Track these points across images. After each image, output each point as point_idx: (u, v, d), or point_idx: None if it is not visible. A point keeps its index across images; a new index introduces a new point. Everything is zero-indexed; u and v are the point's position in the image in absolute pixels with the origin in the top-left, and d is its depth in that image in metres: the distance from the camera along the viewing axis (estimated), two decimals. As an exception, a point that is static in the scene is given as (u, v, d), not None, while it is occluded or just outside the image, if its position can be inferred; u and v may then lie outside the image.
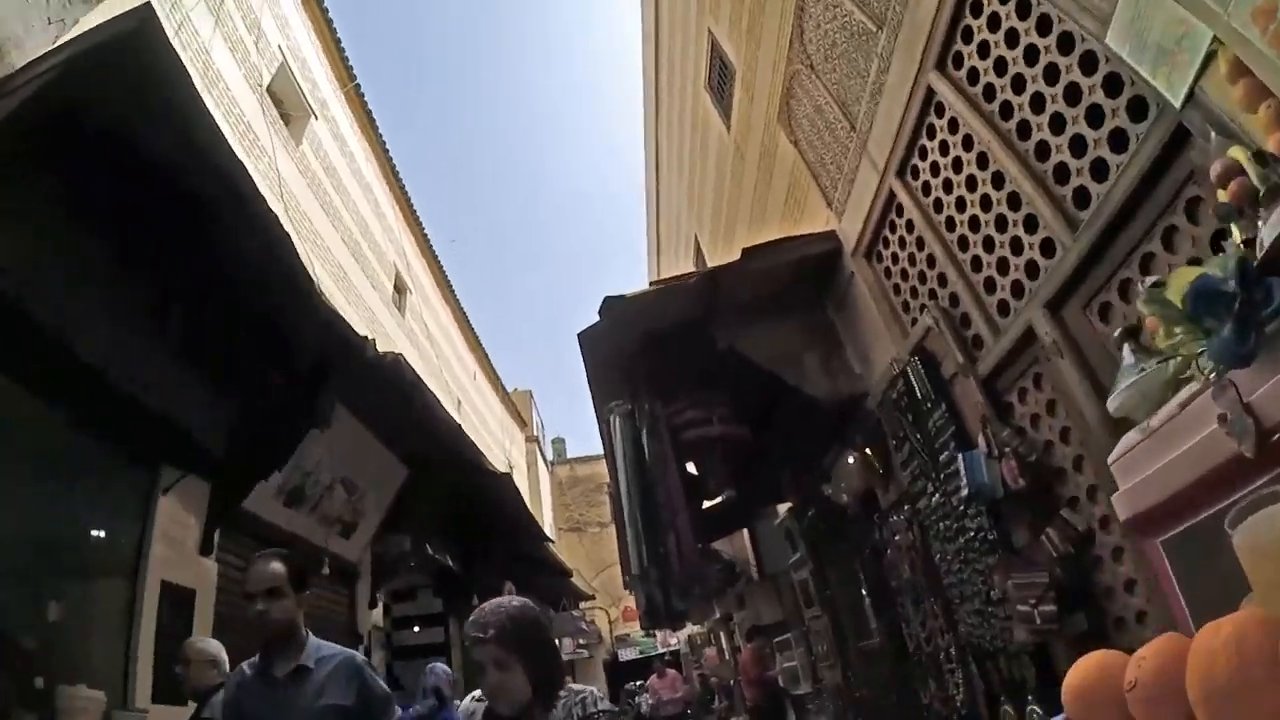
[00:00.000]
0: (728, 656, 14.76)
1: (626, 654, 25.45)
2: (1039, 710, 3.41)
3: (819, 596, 7.66)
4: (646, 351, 5.49)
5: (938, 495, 4.23)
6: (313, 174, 9.79)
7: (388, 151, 13.16)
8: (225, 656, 4.17)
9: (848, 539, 6.78)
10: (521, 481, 21.72)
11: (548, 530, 20.67)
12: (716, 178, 9.06)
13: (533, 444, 23.98)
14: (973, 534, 3.90)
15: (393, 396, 7.11)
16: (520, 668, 2.06)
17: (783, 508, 8.48)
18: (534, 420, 24.57)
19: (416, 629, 11.99)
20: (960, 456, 3.68)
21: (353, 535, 8.26)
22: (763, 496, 8.26)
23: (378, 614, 8.98)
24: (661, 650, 22.76)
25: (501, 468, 14.30)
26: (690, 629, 20.48)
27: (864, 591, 6.54)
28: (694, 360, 5.59)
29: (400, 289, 13.29)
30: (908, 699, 6.06)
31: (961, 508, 3.94)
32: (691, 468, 6.81)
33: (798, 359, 5.44)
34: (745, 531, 11.59)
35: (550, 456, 27.96)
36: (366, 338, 6.19)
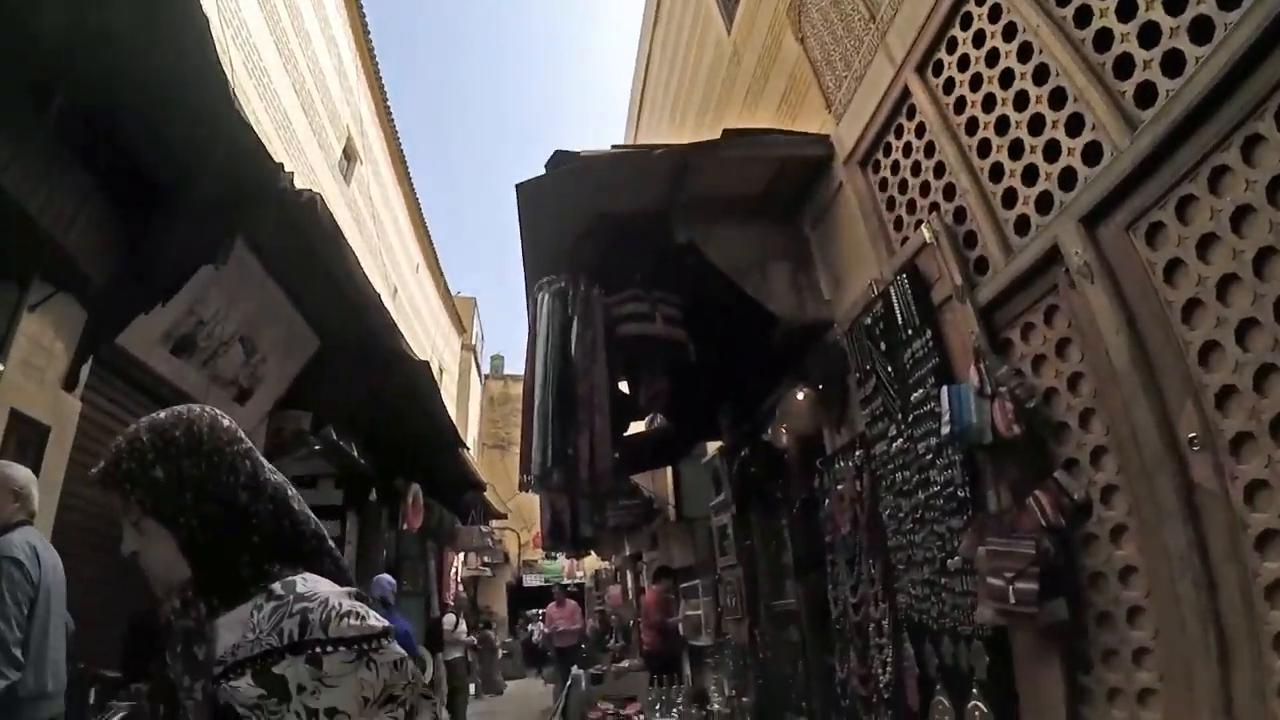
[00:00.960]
0: (631, 597, 14.36)
1: (531, 580, 25.14)
2: (983, 708, 2.84)
3: (737, 545, 7.11)
4: (593, 235, 4.73)
5: (901, 440, 3.59)
6: (271, 7, 8.68)
7: (360, 4, 11.95)
8: (35, 492, 3.40)
9: (779, 488, 6.22)
10: (451, 388, 20.92)
11: (471, 444, 19.99)
12: (706, 86, 8.24)
13: (469, 352, 23.11)
14: (938, 488, 3.27)
15: (304, 244, 6.22)
16: (166, 531, 1.32)
17: (713, 447, 7.88)
18: (474, 329, 23.68)
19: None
20: (945, 390, 3.02)
21: (248, 402, 7.42)
22: (694, 431, 7.64)
23: (261, 493, 8.16)
24: (566, 581, 22.44)
25: (434, 370, 13.48)
26: (598, 564, 20.16)
27: (788, 545, 5.98)
28: (645, 255, 4.86)
29: (350, 155, 12.20)
30: (819, 670, 5.59)
31: (929, 456, 3.32)
32: (624, 387, 6.15)
33: (763, 268, 4.73)
34: (669, 470, 11.07)
35: (486, 370, 27.11)
36: (281, 165, 5.29)
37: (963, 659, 3.18)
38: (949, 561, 3.22)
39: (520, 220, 4.75)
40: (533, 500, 25.22)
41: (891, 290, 3.74)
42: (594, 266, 4.71)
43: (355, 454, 9.90)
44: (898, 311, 3.67)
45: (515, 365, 29.59)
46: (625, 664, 10.86)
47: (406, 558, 14.20)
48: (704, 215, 4.78)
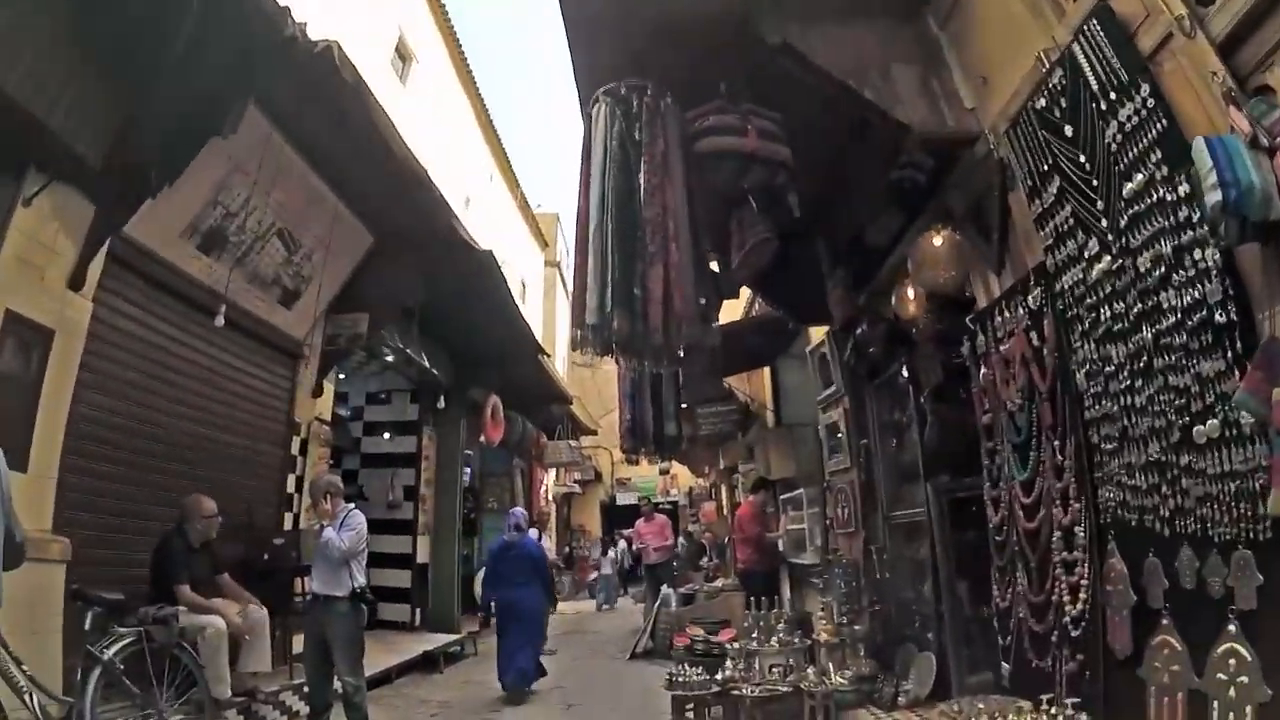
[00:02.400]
0: (726, 513, 13.52)
1: (625, 498, 24.67)
2: (1244, 653, 1.80)
3: (850, 445, 6.07)
4: (660, 42, 3.63)
5: (1108, 257, 2.46)
6: None
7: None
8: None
9: (903, 370, 5.15)
10: (536, 306, 20.25)
11: (560, 364, 19.35)
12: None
13: (553, 269, 22.30)
14: (1177, 317, 2.15)
15: (330, 110, 5.36)
16: None
17: (818, 336, 6.78)
18: (558, 246, 22.78)
19: (387, 435, 10.74)
20: (1203, 143, 1.88)
21: (295, 305, 6.74)
22: (796, 313, 6.53)
23: (324, 404, 7.57)
24: (660, 499, 21.87)
25: (513, 283, 12.68)
26: (692, 480, 19.41)
27: (917, 441, 4.93)
28: (727, 66, 3.76)
29: (404, 56, 11.25)
30: (952, 596, 4.57)
31: (1160, 270, 2.20)
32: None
33: (884, 72, 3.57)
34: (766, 372, 10.03)
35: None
36: (288, 10, 4.38)
37: (1213, 579, 2.10)
38: (1196, 429, 2.12)
39: (567, 27, 3.72)
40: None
41: (1076, 50, 2.57)
42: (665, 78, 3.62)
43: (424, 361, 9.21)
44: (1090, 74, 2.50)
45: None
46: (719, 584, 10.09)
47: (490, 474, 13.74)
48: (799, 11, 3.62)
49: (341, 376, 10.14)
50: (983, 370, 3.48)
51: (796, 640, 5.62)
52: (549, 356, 13.11)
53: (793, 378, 9.65)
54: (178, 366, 5.63)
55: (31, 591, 3.64)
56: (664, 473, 21.17)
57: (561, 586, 17.99)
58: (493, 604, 7.78)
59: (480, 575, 12.26)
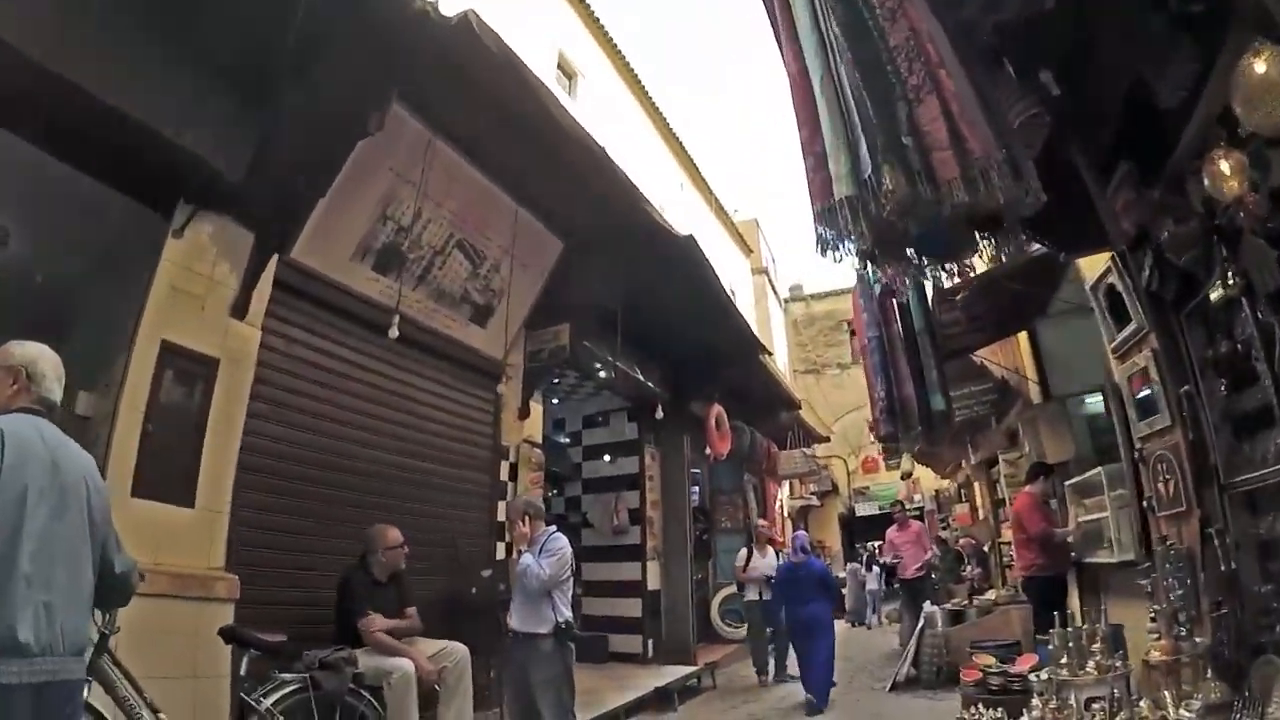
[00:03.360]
0: (986, 514, 11.80)
1: (864, 508, 23.00)
2: None
3: (1169, 397, 4.67)
4: None
5: None
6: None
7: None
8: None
9: (1229, 279, 3.84)
10: (748, 315, 19.39)
11: (784, 371, 18.38)
12: None
13: (761, 276, 21.42)
14: None
15: (481, 94, 4.88)
16: None
17: (1093, 268, 5.41)
18: (763, 253, 21.90)
19: (607, 458, 10.30)
20: None
21: (489, 322, 6.39)
22: (1061, 238, 5.21)
23: (533, 426, 7.17)
24: (907, 506, 20.03)
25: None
26: (937, 483, 17.60)
27: (1271, 368, 3.61)
28: None
29: (568, 73, 11.01)
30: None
31: None
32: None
33: None
34: (1022, 339, 8.52)
35: (784, 295, 25.28)
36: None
37: None
38: None
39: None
40: (859, 423, 23.08)
41: None
42: None
43: (637, 374, 8.65)
44: None
45: (816, 288, 27.24)
46: (991, 596, 8.60)
47: (721, 491, 12.99)
48: None
49: (555, 401, 9.91)
50: None
51: (1119, 664, 4.32)
52: (771, 355, 12.15)
53: (1060, 339, 8.09)
54: (364, 393, 5.39)
55: (193, 633, 3.32)
56: (906, 477, 19.40)
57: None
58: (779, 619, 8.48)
59: (717, 602, 11.63)
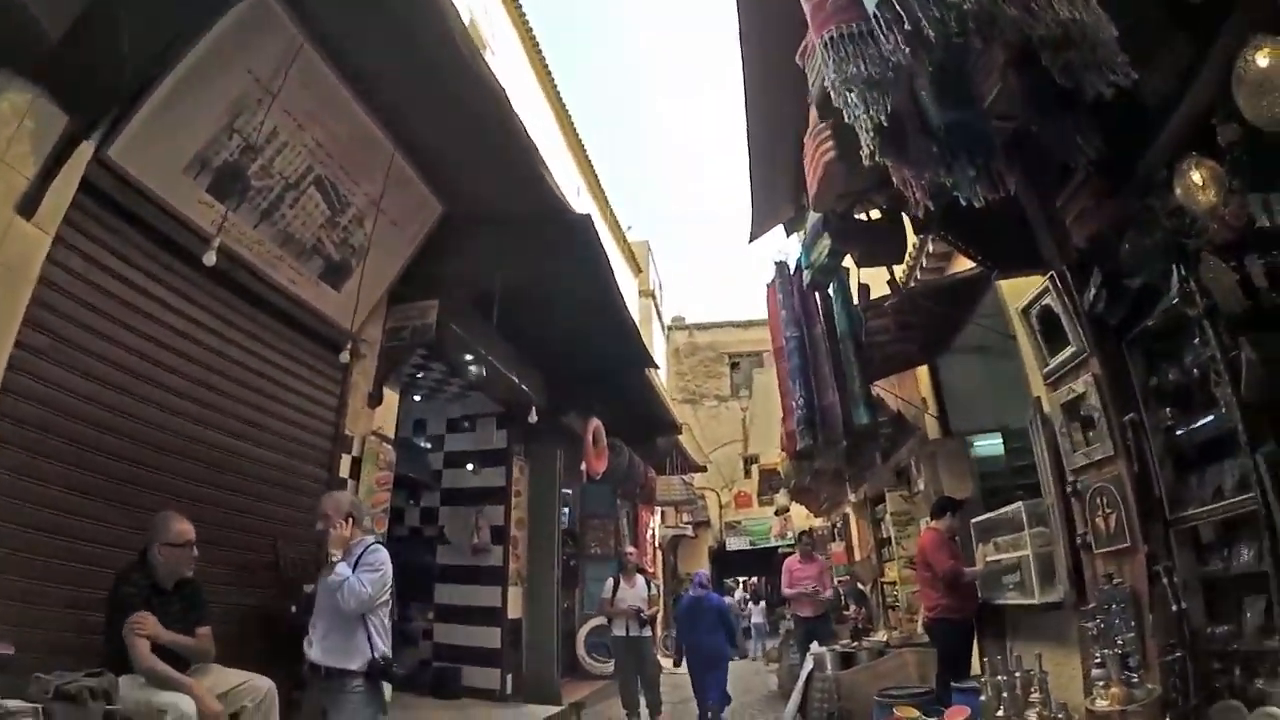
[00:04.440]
0: (870, 553, 11.34)
1: (735, 543, 22.60)
2: None
3: (1111, 425, 4.22)
4: None
5: None
6: None
7: None
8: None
9: (1194, 298, 3.46)
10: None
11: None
12: None
13: (647, 299, 20.84)
14: None
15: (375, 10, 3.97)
16: None
17: (1019, 293, 5.03)
18: (650, 275, 21.37)
19: (471, 467, 9.21)
20: None
21: (344, 286, 5.33)
22: (993, 255, 4.81)
23: (385, 416, 6.09)
24: (777, 542, 19.70)
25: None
26: (811, 520, 17.33)
27: (1233, 394, 3.24)
28: None
29: (476, 43, 10.04)
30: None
31: None
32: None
33: None
34: (922, 373, 8.15)
35: (667, 322, 24.86)
36: None
37: None
38: None
39: None
40: (734, 457, 22.73)
41: None
42: None
43: (511, 375, 7.69)
44: None
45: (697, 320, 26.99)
46: (881, 638, 8.06)
47: (592, 515, 12.07)
48: None
49: (417, 399, 8.80)
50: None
51: (1060, 714, 3.80)
52: (657, 368, 11.41)
53: (961, 375, 7.76)
54: (179, 347, 4.23)
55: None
56: (780, 513, 19.01)
57: (670, 641, 16.13)
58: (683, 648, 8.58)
59: (583, 634, 10.66)
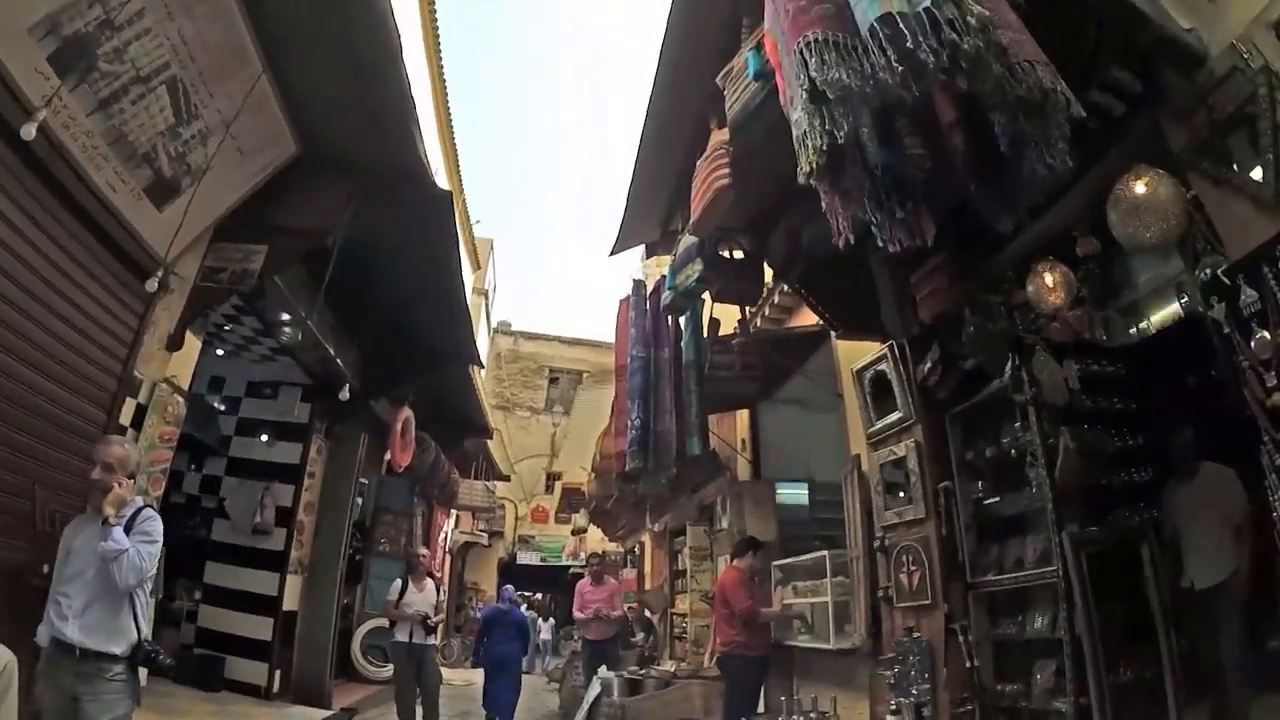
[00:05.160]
0: (663, 583, 11.47)
1: (526, 557, 22.28)
2: None
3: (925, 489, 4.51)
4: None
5: None
6: None
7: None
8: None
9: (1022, 385, 3.98)
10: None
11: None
12: None
13: (480, 297, 20.24)
14: None
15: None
16: None
17: (855, 355, 5.32)
18: (488, 275, 20.85)
19: (265, 438, 8.44)
20: None
21: (168, 207, 4.69)
22: (843, 317, 5.15)
23: (182, 364, 5.42)
24: (569, 562, 19.58)
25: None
26: (605, 544, 17.39)
27: (1047, 475, 3.75)
28: None
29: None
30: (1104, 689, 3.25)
31: None
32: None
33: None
34: (742, 416, 8.43)
35: (494, 324, 24.35)
36: None
37: None
38: None
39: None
40: (538, 470, 22.44)
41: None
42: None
43: (328, 348, 7.14)
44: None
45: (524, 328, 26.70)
46: (668, 667, 8.11)
47: (386, 509, 11.44)
48: None
49: (219, 353, 7.98)
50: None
51: None
52: (482, 366, 11.01)
53: (782, 424, 8.08)
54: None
55: None
56: (578, 532, 18.95)
57: (450, 651, 15.53)
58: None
59: (360, 635, 10.01)
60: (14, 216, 3.80)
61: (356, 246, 5.81)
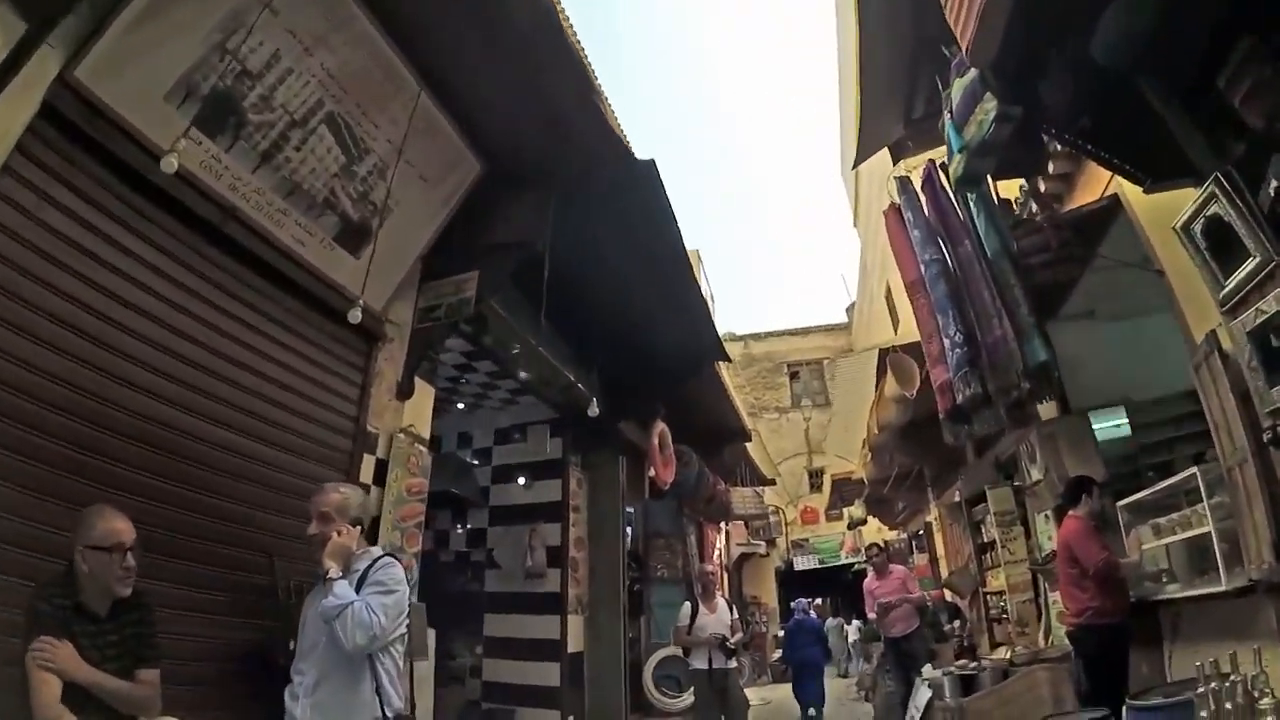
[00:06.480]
0: (967, 562, 10.12)
1: (803, 562, 21.34)
2: None
3: None
4: None
5: None
6: None
7: None
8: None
9: None
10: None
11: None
12: None
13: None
14: None
15: None
16: None
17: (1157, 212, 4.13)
18: (703, 284, 20.48)
19: (522, 480, 8.36)
20: None
21: (363, 250, 4.54)
22: (1140, 163, 3.95)
23: (418, 413, 5.30)
24: (849, 559, 18.44)
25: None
26: (884, 535, 16.09)
27: None
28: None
29: None
30: None
31: None
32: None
33: None
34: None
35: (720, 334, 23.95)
36: None
37: None
38: None
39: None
40: (798, 470, 21.49)
41: None
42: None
43: (563, 368, 6.88)
44: None
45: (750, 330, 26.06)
46: (1004, 654, 6.94)
47: (656, 534, 11.10)
48: None
49: (460, 406, 8.05)
50: None
51: None
52: (730, 361, 10.41)
53: (1075, 344, 6.70)
54: (158, 313, 3.44)
55: None
56: (855, 525, 17.73)
57: (741, 670, 15.01)
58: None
59: (650, 666, 9.66)
60: (207, 293, 3.72)
61: (570, 255, 5.43)
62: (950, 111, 3.96)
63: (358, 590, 2.68)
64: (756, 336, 24.53)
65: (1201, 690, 2.95)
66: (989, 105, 3.53)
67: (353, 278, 4.48)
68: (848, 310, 22.83)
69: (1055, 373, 4.38)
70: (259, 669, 3.30)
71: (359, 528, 2.91)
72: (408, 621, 2.86)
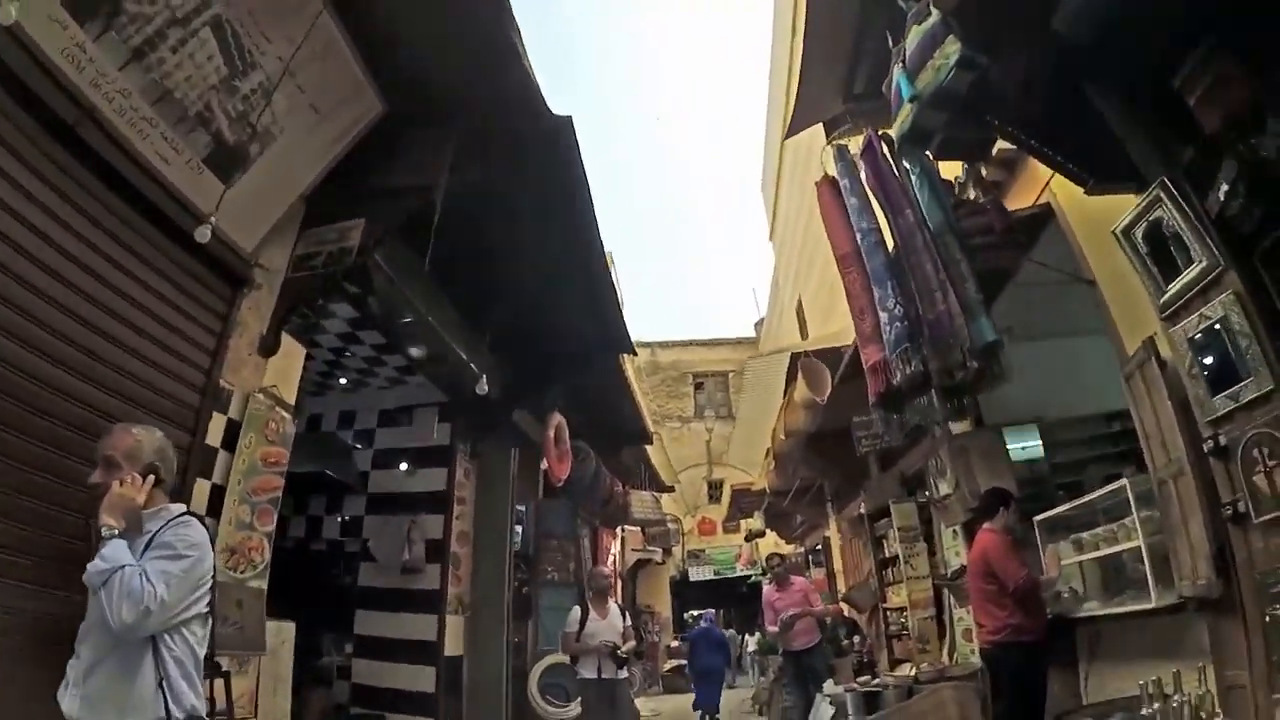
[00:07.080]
0: (868, 575, 9.93)
1: (698, 573, 21.17)
2: None
3: (1268, 355, 3.08)
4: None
5: None
6: None
7: None
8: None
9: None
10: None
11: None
12: None
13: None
14: None
15: None
16: None
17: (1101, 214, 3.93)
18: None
19: (404, 466, 7.68)
20: None
21: (237, 179, 3.89)
22: (1091, 162, 3.72)
23: (284, 374, 4.62)
24: (745, 571, 18.32)
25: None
26: (777, 548, 16.01)
27: None
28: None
29: None
30: None
31: None
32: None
33: None
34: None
35: (627, 338, 23.67)
36: None
37: None
38: None
39: None
40: (697, 481, 21.33)
41: None
42: None
43: (454, 344, 6.28)
44: None
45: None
46: (908, 672, 6.72)
47: (548, 534, 10.51)
48: None
49: (343, 382, 7.35)
50: None
51: None
52: (635, 354, 9.94)
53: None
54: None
55: None
56: (751, 538, 17.55)
57: (632, 680, 14.67)
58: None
59: (536, 674, 9.09)
60: (52, 203, 3.06)
61: (470, 217, 4.92)
62: (903, 61, 3.63)
63: (143, 553, 2.13)
64: (664, 344, 24.35)
65: (1146, 711, 2.69)
66: (950, 49, 3.21)
67: (222, 209, 3.82)
68: (756, 326, 22.93)
69: (1003, 354, 4.04)
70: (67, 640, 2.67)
71: (152, 478, 2.30)
72: (210, 599, 2.28)
